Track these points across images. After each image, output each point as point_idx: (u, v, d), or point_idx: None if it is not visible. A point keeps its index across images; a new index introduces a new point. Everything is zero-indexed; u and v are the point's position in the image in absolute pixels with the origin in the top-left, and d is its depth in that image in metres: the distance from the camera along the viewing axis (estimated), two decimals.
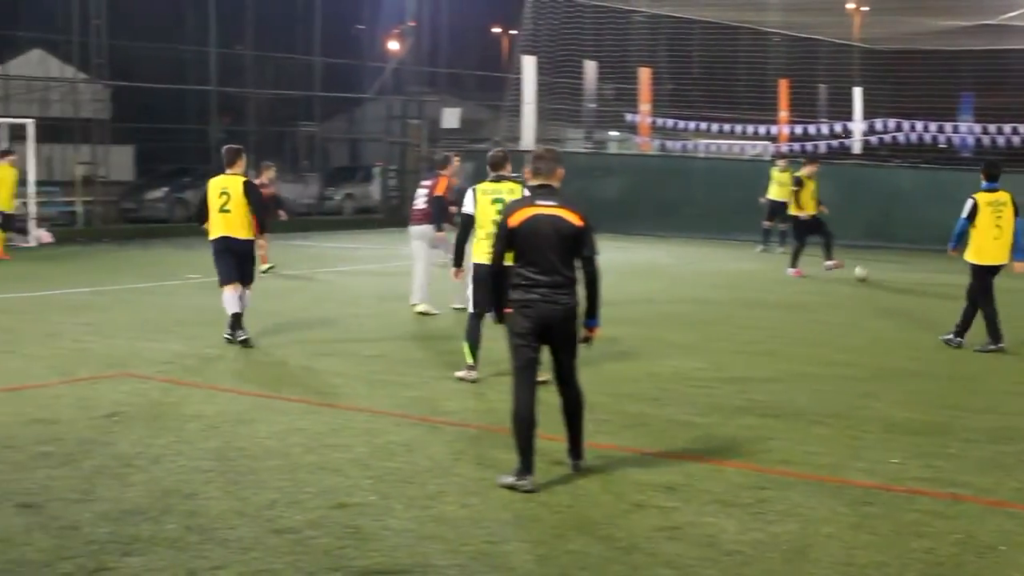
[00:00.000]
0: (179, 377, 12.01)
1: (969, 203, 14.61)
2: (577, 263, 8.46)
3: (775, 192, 28.39)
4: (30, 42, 37.61)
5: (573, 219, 8.38)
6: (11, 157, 25.68)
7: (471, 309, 12.36)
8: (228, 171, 14.46)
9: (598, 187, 33.07)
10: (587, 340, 8.69)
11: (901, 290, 21.43)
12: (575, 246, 8.39)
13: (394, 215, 36.15)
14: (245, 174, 14.65)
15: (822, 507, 7.88)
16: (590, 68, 40.75)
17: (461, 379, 12.21)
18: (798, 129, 41.91)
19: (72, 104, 33.32)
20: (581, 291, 8.48)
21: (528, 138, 38.26)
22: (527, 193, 9.16)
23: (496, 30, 57.17)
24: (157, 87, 37.34)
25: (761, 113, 42.31)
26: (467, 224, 12.25)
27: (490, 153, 12.88)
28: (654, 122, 40.55)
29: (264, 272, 21.23)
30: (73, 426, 9.81)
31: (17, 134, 28.93)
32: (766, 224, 29.17)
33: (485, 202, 12.16)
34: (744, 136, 41.65)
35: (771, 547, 7.09)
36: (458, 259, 12.50)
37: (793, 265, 23.50)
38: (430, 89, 41.98)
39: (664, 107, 42.01)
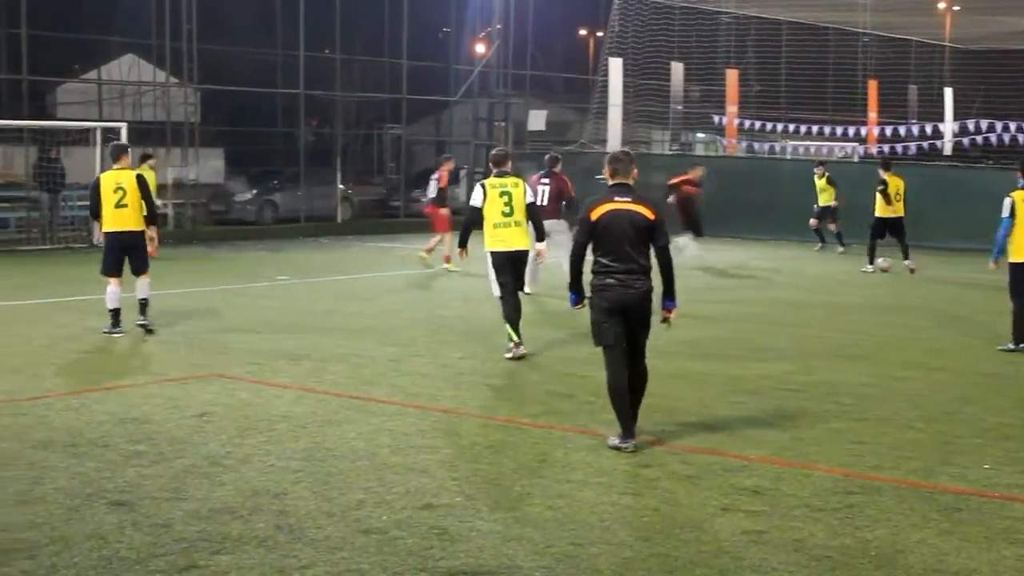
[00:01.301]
0: (268, 378, 12.12)
1: (1007, 202, 14.51)
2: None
3: (822, 198, 29.17)
4: (123, 47, 38.13)
5: (646, 213, 9.40)
6: (151, 161, 26.26)
7: (496, 294, 13.74)
8: (116, 167, 15.07)
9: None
10: (666, 320, 9.72)
11: (995, 290, 21.09)
12: (649, 237, 9.40)
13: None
14: (132, 167, 15.52)
15: (913, 513, 7.78)
16: (677, 70, 40.59)
17: (511, 358, 13.25)
18: (887, 130, 41.44)
19: (163, 108, 33.76)
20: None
21: (614, 140, 38.18)
22: (604, 189, 9.81)
23: (582, 32, 57.09)
24: (246, 90, 37.71)
25: (850, 114, 41.95)
26: (474, 215, 13.71)
27: (493, 152, 14.38)
28: (741, 124, 40.33)
29: (450, 270, 21.37)
30: (164, 425, 9.94)
31: (110, 137, 29.34)
32: (813, 223, 29.75)
33: (494, 195, 13.59)
34: (832, 138, 41.28)
35: (860, 553, 7.01)
36: (463, 242, 13.84)
37: (871, 262, 23.63)
38: (516, 91, 42.02)
39: (751, 109, 41.78)
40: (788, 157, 39.54)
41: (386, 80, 39.44)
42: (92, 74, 37.79)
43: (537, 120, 40.79)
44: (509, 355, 13.37)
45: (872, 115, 43.42)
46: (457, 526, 7.36)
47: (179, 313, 16.78)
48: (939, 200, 29.57)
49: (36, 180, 29.90)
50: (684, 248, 24.24)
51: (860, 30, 44.74)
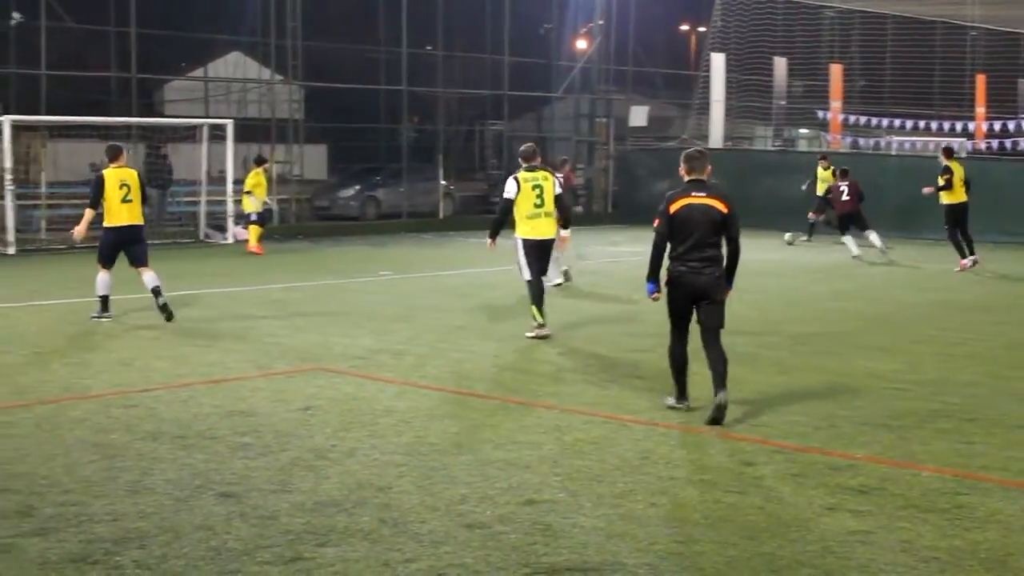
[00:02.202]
0: (371, 372, 12.21)
1: None
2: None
3: (821, 188, 29.84)
4: (229, 45, 38.67)
5: (721, 207, 10.21)
6: (266, 165, 26.86)
7: (527, 277, 14.58)
8: (113, 165, 15.75)
9: (787, 185, 32.63)
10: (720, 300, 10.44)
11: None
12: (722, 229, 10.23)
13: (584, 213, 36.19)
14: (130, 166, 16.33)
15: (1023, 514, 7.64)
16: (780, 65, 40.25)
17: (533, 337, 14.26)
18: (996, 125, 40.72)
19: (268, 105, 34.16)
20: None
21: (716, 136, 37.99)
22: (684, 185, 10.49)
23: (684, 28, 56.82)
24: (349, 87, 38.04)
25: (957, 109, 41.28)
26: (507, 207, 14.59)
27: (523, 147, 15.22)
28: (845, 119, 39.85)
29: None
30: (270, 418, 10.06)
31: (216, 134, 29.77)
32: (811, 217, 30.15)
33: (527, 188, 14.53)
34: (939, 133, 40.64)
35: (969, 555, 6.90)
36: (494, 234, 14.86)
37: (963, 257, 23.49)
38: (618, 87, 41.92)
39: (856, 104, 41.27)
40: (893, 153, 38.98)
41: (487, 76, 39.54)
42: (199, 72, 38.38)
43: (638, 116, 40.67)
44: (531, 335, 14.39)
45: (980, 110, 42.68)
46: (560, 522, 7.36)
47: (283, 307, 16.98)
48: None
49: (144, 176, 30.37)
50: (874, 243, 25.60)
51: (968, 24, 43.97)
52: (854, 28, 43.73)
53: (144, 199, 15.95)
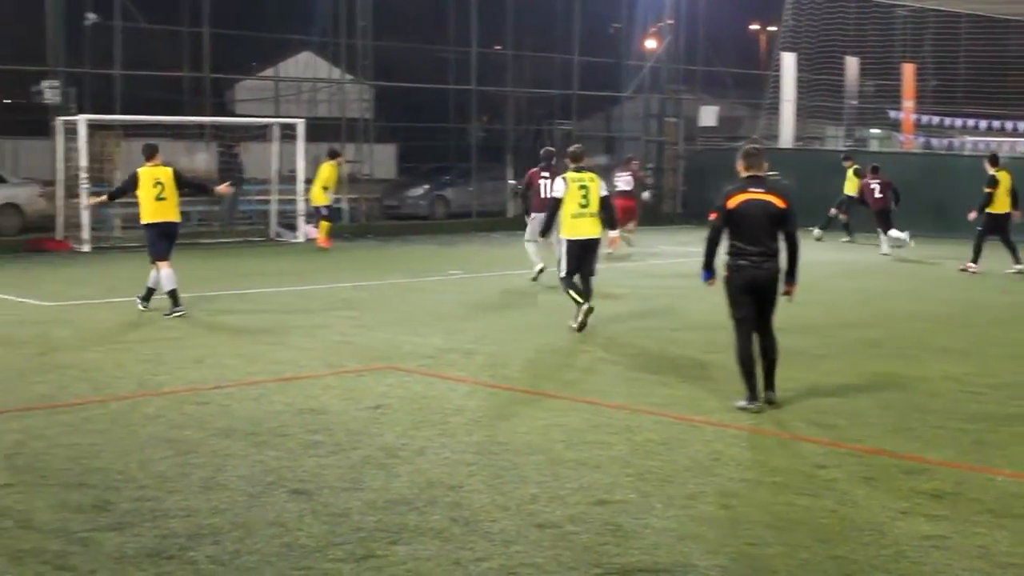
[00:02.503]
0: (441, 371, 12.25)
1: None
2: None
3: (848, 187, 30.29)
4: (300, 45, 38.93)
5: (778, 202, 10.54)
6: (339, 159, 27.14)
7: (563, 274, 15.02)
8: (149, 164, 16.20)
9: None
10: (788, 293, 10.78)
11: None
12: (780, 223, 10.55)
13: (650, 212, 36.04)
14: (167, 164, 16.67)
15: None
16: (851, 64, 39.90)
17: (579, 316, 14.68)
18: None
19: (338, 104, 34.35)
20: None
21: (786, 135, 37.76)
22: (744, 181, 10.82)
23: (754, 27, 56.47)
24: (419, 87, 38.18)
25: None
26: (555, 206, 15.10)
27: (571, 148, 15.80)
28: (918, 119, 39.43)
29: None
30: (341, 416, 10.11)
31: (287, 133, 29.99)
32: (833, 212, 30.91)
33: (574, 188, 14.94)
34: (1014, 133, 40.10)
35: None
36: (545, 232, 15.71)
37: (974, 261, 23.34)
38: (687, 87, 41.77)
39: (928, 103, 40.82)
40: (967, 153, 38.52)
41: (557, 76, 39.52)
42: (270, 71, 38.65)
43: (708, 116, 40.50)
44: (574, 324, 14.78)
45: None
46: (631, 523, 7.35)
47: (353, 306, 17.06)
48: None
49: (217, 175, 30.70)
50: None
51: None
52: (927, 27, 43.22)
53: (183, 193, 16.54)
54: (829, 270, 23.44)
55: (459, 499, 7.77)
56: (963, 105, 41.03)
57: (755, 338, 10.64)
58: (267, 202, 30.11)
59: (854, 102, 40.55)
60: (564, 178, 15.13)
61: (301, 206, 29.30)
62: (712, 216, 10.86)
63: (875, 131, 43.06)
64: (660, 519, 7.42)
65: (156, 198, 16.01)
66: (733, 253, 10.59)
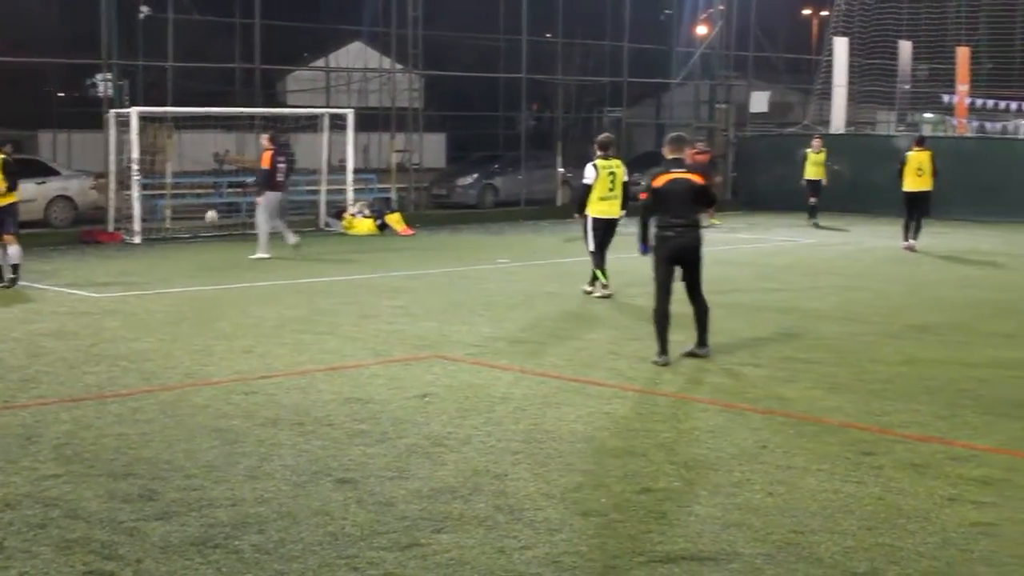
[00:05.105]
0: (488, 359, 12.25)
1: None
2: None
3: (811, 172, 30.88)
4: (350, 35, 39.03)
5: (696, 180, 12.10)
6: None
7: (591, 249, 16.89)
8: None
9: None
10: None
11: None
12: (699, 198, 12.18)
13: None
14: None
15: None
16: (904, 48, 39.52)
17: (602, 296, 16.65)
18: None
19: (388, 94, 34.41)
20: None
21: (838, 121, 37.47)
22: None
23: (806, 12, 56.08)
24: (469, 76, 38.16)
25: None
26: (585, 191, 16.79)
27: (600, 137, 17.51)
28: (972, 103, 39.01)
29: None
30: (387, 405, 10.14)
31: (337, 123, 30.07)
32: (812, 201, 30.85)
33: (604, 175, 16.68)
34: None
35: None
36: (580, 210, 17.15)
37: (905, 239, 24.28)
38: (738, 73, 41.52)
39: (983, 87, 40.36)
40: (1021, 137, 38.10)
41: (607, 63, 39.40)
42: (320, 62, 38.78)
43: (759, 102, 40.24)
44: (598, 294, 16.78)
45: None
46: (675, 511, 7.33)
47: (401, 295, 17.09)
48: None
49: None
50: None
51: None
52: (982, 9, 42.73)
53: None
54: (886, 255, 23.28)
55: (504, 487, 7.78)
56: (1018, 88, 40.54)
57: (689, 300, 12.30)
58: (317, 192, 30.19)
59: (907, 87, 40.16)
60: (595, 165, 16.80)
61: (351, 196, 29.38)
62: (642, 196, 12.36)
63: (928, 116, 42.62)
64: (705, 507, 7.40)
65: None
66: (661, 226, 12.07)
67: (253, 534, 6.86)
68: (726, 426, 9.48)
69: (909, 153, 24.81)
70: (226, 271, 20.13)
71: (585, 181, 16.83)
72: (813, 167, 30.78)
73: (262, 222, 22.49)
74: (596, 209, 16.78)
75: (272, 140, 22.93)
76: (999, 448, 8.84)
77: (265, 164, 22.46)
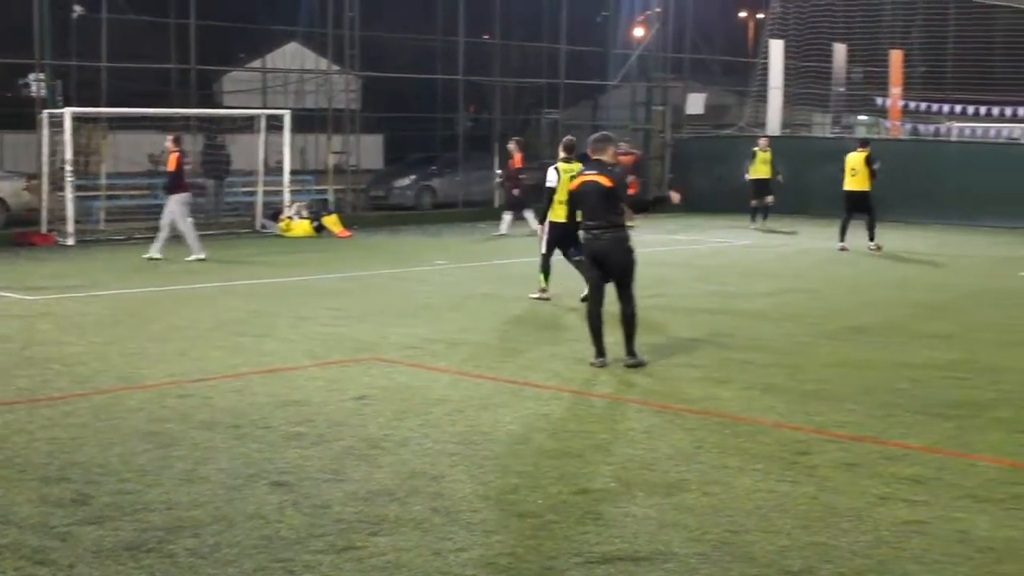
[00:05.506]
0: (425, 361, 12.24)
1: None
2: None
3: (758, 171, 30.48)
4: (287, 36, 38.81)
5: (606, 181, 11.77)
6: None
7: (542, 251, 16.61)
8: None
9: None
10: (675, 200, 13.13)
11: None
12: (611, 199, 11.81)
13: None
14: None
15: None
16: (839, 51, 39.88)
17: (536, 299, 16.58)
18: None
19: (325, 95, 34.26)
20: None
21: (774, 123, 37.72)
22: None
23: (742, 15, 56.43)
24: (406, 77, 38.08)
25: (1020, 94, 40.69)
26: (550, 195, 16.24)
27: (565, 139, 17.32)
28: (905, 105, 39.44)
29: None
30: (324, 408, 10.10)
31: (273, 125, 29.92)
32: (753, 203, 30.56)
33: (566, 178, 15.42)
34: (1001, 119, 40.13)
35: None
36: (542, 219, 16.72)
37: (841, 239, 24.69)
38: (675, 75, 41.69)
39: (916, 90, 40.81)
40: (954, 139, 38.57)
41: (544, 65, 39.45)
42: (257, 63, 38.55)
43: (696, 104, 40.45)
44: (534, 295, 16.72)
45: None
46: (612, 511, 7.35)
47: (339, 297, 17.03)
48: None
49: (202, 167, 30.63)
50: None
51: None
52: (916, 13, 43.19)
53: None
54: (824, 256, 23.48)
55: (440, 489, 7.77)
56: (951, 91, 41.02)
57: (618, 300, 12.03)
58: (253, 193, 30.02)
59: (841, 89, 40.52)
60: (557, 169, 16.40)
61: (287, 197, 29.25)
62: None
63: (862, 118, 43.04)
64: (641, 507, 7.43)
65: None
66: (583, 228, 12.09)
67: (187, 538, 6.80)
68: (662, 427, 9.52)
69: (848, 154, 25.18)
70: (161, 273, 19.96)
71: (548, 184, 16.32)
72: (761, 165, 30.51)
73: (183, 226, 22.23)
74: (555, 213, 16.11)
75: (176, 141, 22.68)
76: (931, 447, 8.94)
77: (172, 166, 22.24)
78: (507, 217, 28.48)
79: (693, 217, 32.99)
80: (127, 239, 26.20)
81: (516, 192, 27.69)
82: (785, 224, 30.69)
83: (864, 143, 25.81)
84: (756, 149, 30.86)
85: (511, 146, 28.46)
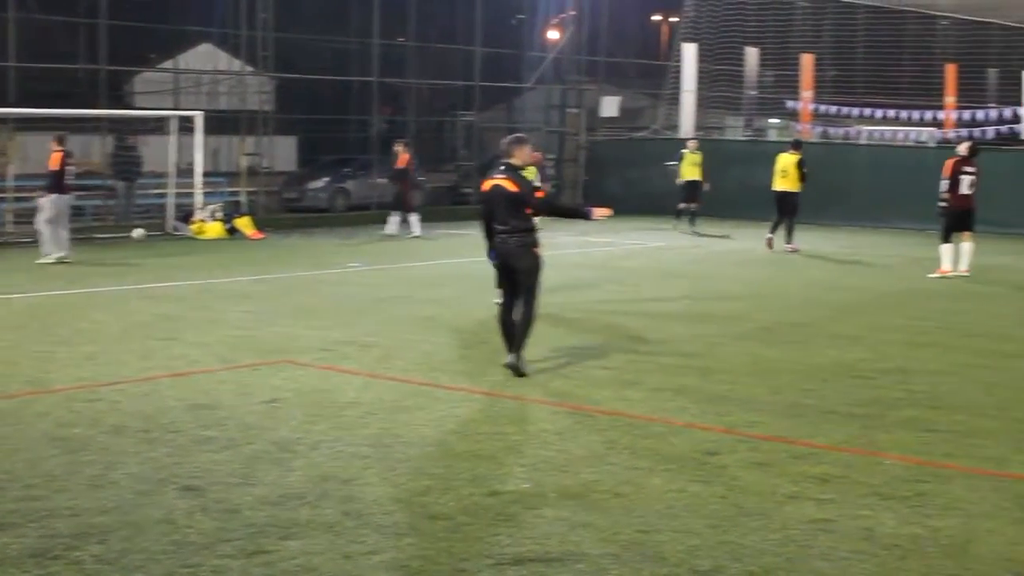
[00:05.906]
0: (337, 364, 12.18)
1: None
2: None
3: (687, 172, 30.18)
4: (199, 37, 38.45)
5: (511, 186, 11.66)
6: None
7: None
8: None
9: (758, 175, 32.62)
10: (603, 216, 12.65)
11: None
12: (517, 204, 11.66)
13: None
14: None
15: (984, 502, 7.69)
16: (751, 55, 40.26)
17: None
18: (965, 115, 40.81)
19: (238, 96, 34.01)
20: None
21: (687, 126, 37.98)
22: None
23: (656, 18, 56.80)
24: (320, 78, 37.90)
25: (927, 99, 41.36)
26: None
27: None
28: (816, 109, 39.90)
29: None
30: (234, 411, 10.02)
31: (185, 126, 29.65)
32: (681, 205, 30.50)
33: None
34: (909, 122, 40.74)
35: (930, 542, 6.93)
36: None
37: (771, 233, 25.42)
38: (589, 78, 41.85)
39: (826, 93, 41.30)
40: (863, 142, 39.08)
41: (459, 67, 39.46)
42: (168, 63, 38.16)
43: (610, 107, 40.63)
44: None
45: (950, 99, 42.75)
46: (523, 513, 7.36)
47: (250, 300, 16.91)
48: (1018, 184, 29.50)
49: (113, 169, 30.28)
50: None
51: (939, 13, 44.03)
52: (826, 17, 43.71)
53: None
54: (736, 258, 23.68)
55: (352, 492, 7.74)
56: (860, 95, 41.57)
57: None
58: (165, 196, 29.72)
59: (753, 92, 40.92)
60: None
61: (199, 199, 28.98)
62: (539, 195, 12.41)
63: (774, 121, 43.48)
64: (553, 508, 7.45)
65: None
66: (494, 232, 11.85)
67: (94, 544, 6.72)
68: (574, 428, 9.56)
69: (779, 155, 25.58)
70: (69, 276, 19.68)
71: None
72: (691, 167, 30.18)
73: (43, 225, 21.93)
74: None
75: (60, 141, 22.39)
76: (838, 446, 9.05)
77: (54, 166, 21.95)
78: (394, 218, 28.90)
79: (606, 220, 33.07)
80: (35, 242, 25.77)
81: (404, 190, 28.72)
82: (700, 226, 30.91)
83: (796, 145, 26.20)
84: (685, 151, 30.64)
85: (397, 147, 29.08)
